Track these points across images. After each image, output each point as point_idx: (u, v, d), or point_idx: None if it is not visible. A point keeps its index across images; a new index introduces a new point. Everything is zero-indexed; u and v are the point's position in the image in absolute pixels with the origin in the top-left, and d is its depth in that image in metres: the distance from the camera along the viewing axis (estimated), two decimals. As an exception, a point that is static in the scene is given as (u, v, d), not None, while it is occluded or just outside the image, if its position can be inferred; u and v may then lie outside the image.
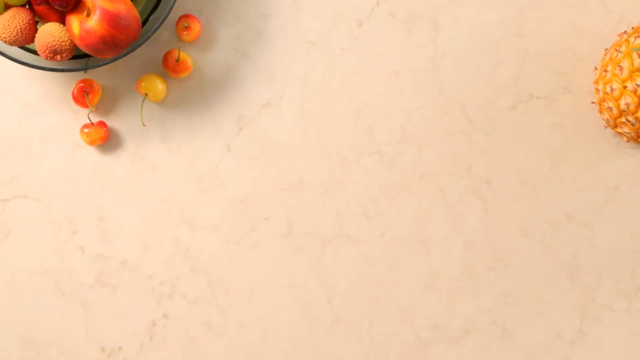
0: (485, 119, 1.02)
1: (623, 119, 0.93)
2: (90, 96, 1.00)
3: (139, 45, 0.95)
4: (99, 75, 1.02)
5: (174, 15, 1.02)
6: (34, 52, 0.97)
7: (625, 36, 0.94)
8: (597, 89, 0.97)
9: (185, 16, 1.00)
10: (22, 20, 0.93)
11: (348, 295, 1.01)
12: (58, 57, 0.93)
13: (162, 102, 1.02)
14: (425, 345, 1.00)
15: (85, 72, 1.02)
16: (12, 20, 0.92)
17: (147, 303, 1.01)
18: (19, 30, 0.93)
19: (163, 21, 0.95)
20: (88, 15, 0.91)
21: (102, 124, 1.01)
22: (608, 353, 1.00)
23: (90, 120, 1.01)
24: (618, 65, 0.91)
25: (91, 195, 1.01)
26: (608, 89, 0.93)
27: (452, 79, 1.02)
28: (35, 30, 0.94)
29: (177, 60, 1.00)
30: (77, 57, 0.97)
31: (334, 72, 1.02)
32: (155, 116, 1.02)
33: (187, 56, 1.00)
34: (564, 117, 1.02)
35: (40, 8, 0.94)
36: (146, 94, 1.00)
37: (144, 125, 1.02)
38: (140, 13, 0.99)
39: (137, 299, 1.01)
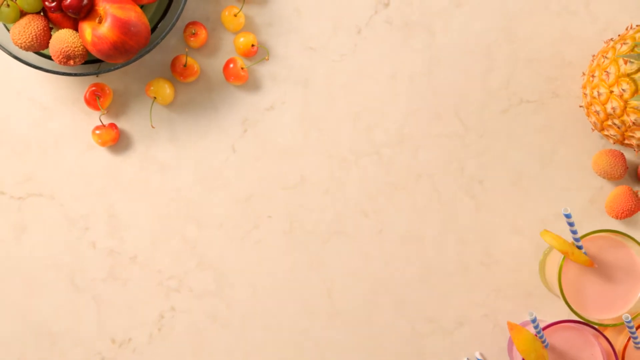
0: (477, 122, 1.02)
1: (609, 122, 0.93)
2: (101, 99, 1.00)
3: (149, 51, 0.95)
4: (110, 80, 1.02)
5: (181, 23, 1.02)
6: (49, 57, 0.98)
7: (611, 43, 0.94)
8: (584, 94, 0.97)
9: (193, 23, 1.01)
10: (37, 27, 0.93)
11: (347, 289, 1.01)
12: (71, 62, 0.93)
13: (170, 105, 1.03)
14: (421, 337, 1.01)
15: (97, 76, 1.02)
16: (28, 27, 0.93)
17: (156, 296, 1.01)
18: (34, 37, 0.93)
19: (171, 28, 0.96)
20: (100, 22, 0.92)
21: (113, 125, 1.01)
22: (594, 345, 1.00)
23: (101, 122, 1.01)
24: (605, 71, 0.92)
25: (103, 193, 1.02)
26: (595, 93, 0.93)
27: (446, 83, 1.02)
28: (50, 37, 0.94)
29: (185, 65, 1.00)
30: (89, 62, 0.98)
31: (333, 76, 1.02)
32: (163, 118, 1.02)
33: (194, 61, 1.01)
34: (553, 120, 1.02)
35: (55, 15, 0.94)
36: (155, 97, 1.01)
37: (153, 127, 1.02)
38: (150, 20, 1.00)
39: (146, 292, 1.01)
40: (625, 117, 0.91)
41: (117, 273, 1.01)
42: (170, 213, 1.02)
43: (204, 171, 1.02)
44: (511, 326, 0.88)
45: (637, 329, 0.91)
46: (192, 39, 1.01)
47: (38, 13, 0.95)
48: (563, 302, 0.95)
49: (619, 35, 0.95)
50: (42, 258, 1.01)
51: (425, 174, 1.02)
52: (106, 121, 1.02)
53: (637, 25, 0.94)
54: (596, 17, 1.02)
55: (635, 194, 0.98)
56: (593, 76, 0.94)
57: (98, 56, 0.93)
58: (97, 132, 1.00)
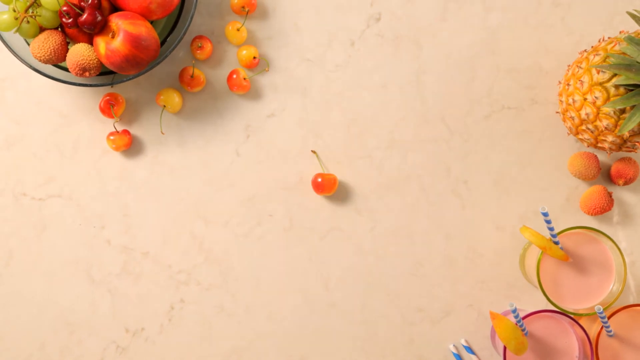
0: (462, 127, 1.02)
1: (583, 127, 0.94)
2: (115, 108, 1.01)
3: (158, 63, 0.96)
4: (123, 90, 1.03)
5: (188, 37, 1.02)
6: (66, 69, 0.98)
7: (585, 54, 0.94)
8: (560, 101, 0.97)
9: (199, 37, 1.01)
10: (55, 42, 0.93)
11: (342, 281, 1.02)
12: (87, 73, 0.94)
13: (178, 112, 1.03)
14: (410, 325, 1.01)
15: (111, 86, 1.02)
16: (46, 42, 0.93)
17: (167, 289, 1.02)
18: (52, 50, 0.93)
19: (179, 42, 0.96)
20: (113, 37, 0.92)
21: (126, 132, 1.01)
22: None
23: (115, 129, 1.02)
24: (579, 80, 0.92)
25: (117, 194, 1.02)
26: (570, 100, 0.94)
27: (433, 91, 1.03)
28: (67, 50, 0.95)
29: (192, 76, 1.01)
30: (103, 74, 0.98)
31: (329, 86, 1.03)
32: (172, 125, 1.03)
33: (200, 72, 1.01)
34: (531, 125, 1.02)
35: (71, 30, 0.95)
36: (165, 106, 1.01)
37: (162, 133, 1.03)
38: (159, 34, 1.00)
39: (157, 285, 1.02)
40: (598, 123, 0.91)
41: (130, 268, 1.02)
42: (179, 212, 1.02)
43: (210, 173, 1.02)
44: (493, 315, 0.89)
45: (608, 318, 0.91)
46: (198, 51, 1.01)
47: (56, 29, 0.95)
48: (541, 293, 0.95)
49: (592, 47, 0.95)
50: (61, 254, 1.02)
51: (414, 175, 1.02)
52: (120, 128, 1.03)
53: (609, 38, 0.94)
54: (571, 30, 1.03)
55: (608, 193, 0.99)
56: (568, 85, 0.94)
57: (111, 68, 0.94)
58: (112, 138, 1.01)
